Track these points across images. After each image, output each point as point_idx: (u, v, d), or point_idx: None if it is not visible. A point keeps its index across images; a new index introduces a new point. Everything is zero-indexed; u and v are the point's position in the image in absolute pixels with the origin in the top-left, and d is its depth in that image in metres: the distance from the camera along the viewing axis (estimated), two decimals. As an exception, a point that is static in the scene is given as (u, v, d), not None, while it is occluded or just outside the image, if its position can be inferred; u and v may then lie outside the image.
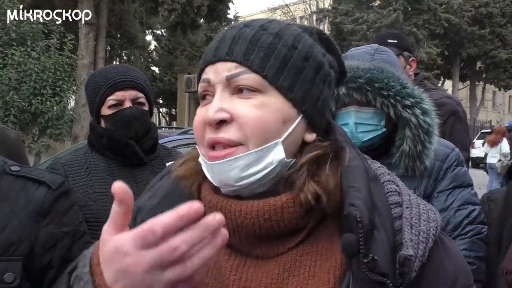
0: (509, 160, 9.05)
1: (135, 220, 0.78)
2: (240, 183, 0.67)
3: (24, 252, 1.07)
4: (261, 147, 0.66)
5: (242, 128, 0.65)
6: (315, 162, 0.69)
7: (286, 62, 0.68)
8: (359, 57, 1.55)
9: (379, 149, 1.50)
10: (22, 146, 2.31)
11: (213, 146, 0.67)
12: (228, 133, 0.66)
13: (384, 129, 1.48)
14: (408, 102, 1.42)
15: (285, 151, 0.68)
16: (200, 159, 0.72)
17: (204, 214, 0.73)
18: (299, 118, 0.69)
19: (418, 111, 1.42)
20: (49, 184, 1.14)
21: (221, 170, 0.67)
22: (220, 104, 0.66)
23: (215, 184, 0.70)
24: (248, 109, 0.66)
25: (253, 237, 0.69)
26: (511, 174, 1.71)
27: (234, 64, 0.67)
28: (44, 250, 1.10)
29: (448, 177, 1.54)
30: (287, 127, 0.68)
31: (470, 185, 1.59)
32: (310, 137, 0.71)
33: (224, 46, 0.69)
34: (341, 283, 0.65)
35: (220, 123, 0.66)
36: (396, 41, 2.49)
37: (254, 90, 0.66)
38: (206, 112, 0.67)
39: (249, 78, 0.66)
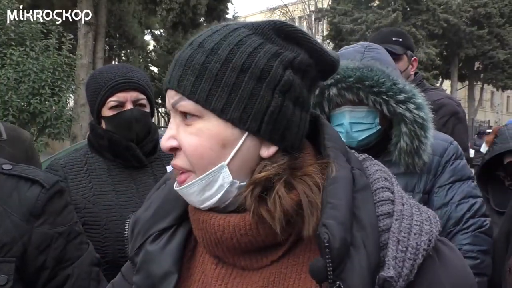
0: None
1: (133, 232, 0.80)
2: (203, 205, 0.68)
3: (17, 254, 1.05)
4: (206, 173, 0.66)
5: (186, 156, 0.67)
6: (261, 184, 0.65)
7: (219, 80, 0.63)
8: (349, 56, 1.53)
9: (376, 147, 1.50)
10: (35, 147, 2.35)
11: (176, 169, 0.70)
12: (180, 160, 0.68)
13: (379, 127, 1.48)
14: (400, 97, 1.41)
15: (236, 172, 0.66)
16: None
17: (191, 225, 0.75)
18: (243, 137, 0.65)
19: (411, 106, 1.41)
20: (43, 183, 1.11)
21: (184, 195, 0.70)
22: (170, 131, 0.68)
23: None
24: (186, 138, 0.66)
25: (234, 250, 0.69)
26: (482, 176, 1.68)
27: (173, 92, 0.67)
28: (38, 251, 1.08)
29: (447, 171, 1.53)
30: (230, 150, 0.65)
31: (470, 177, 1.57)
32: (267, 152, 0.66)
33: (168, 73, 0.69)
34: None
35: (173, 150, 0.68)
36: (401, 40, 2.45)
37: (193, 115, 0.66)
38: None
39: (185, 105, 0.66)
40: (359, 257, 0.60)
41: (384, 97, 1.41)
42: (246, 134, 0.65)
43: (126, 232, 0.82)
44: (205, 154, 0.65)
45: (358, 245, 0.61)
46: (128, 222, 0.82)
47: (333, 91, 1.43)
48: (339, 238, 0.59)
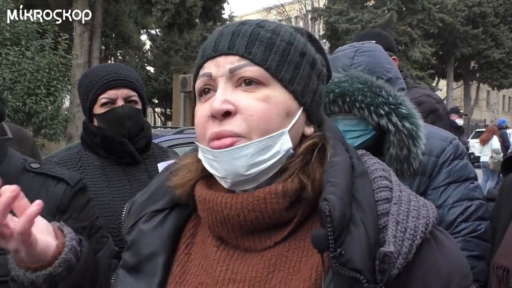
0: (501, 157, 9.07)
1: (129, 213, 0.83)
2: (250, 171, 0.67)
3: None
4: (268, 136, 0.67)
5: (247, 121, 0.67)
6: (310, 152, 0.71)
7: (286, 56, 0.71)
8: (338, 62, 1.52)
9: (373, 149, 1.45)
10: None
11: (217, 138, 0.68)
12: (232, 125, 0.67)
13: (374, 132, 1.46)
14: (381, 111, 1.39)
15: (291, 142, 0.70)
16: (201, 155, 0.73)
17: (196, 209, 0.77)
18: (300, 111, 0.72)
19: (394, 119, 1.39)
20: (68, 181, 1.20)
21: (230, 158, 0.67)
22: (224, 96, 0.67)
23: (221, 175, 0.69)
24: (252, 102, 0.67)
25: (240, 229, 0.70)
26: (505, 170, 1.66)
27: (236, 57, 0.69)
28: None
29: (443, 172, 1.49)
30: (291, 119, 0.70)
31: (469, 178, 1.51)
32: (309, 130, 0.74)
33: (224, 41, 0.70)
34: (323, 279, 0.63)
35: (225, 115, 0.67)
36: (374, 42, 2.46)
37: (257, 82, 0.68)
38: (211, 104, 0.68)
39: (252, 70, 0.68)
40: (359, 233, 0.63)
41: (366, 111, 1.40)
42: (302, 108, 0.73)
43: (123, 218, 0.85)
44: (272, 119, 0.68)
45: (357, 223, 0.64)
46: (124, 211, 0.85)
47: None
48: (339, 210, 0.62)
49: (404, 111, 1.41)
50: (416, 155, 1.44)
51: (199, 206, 0.75)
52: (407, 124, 1.40)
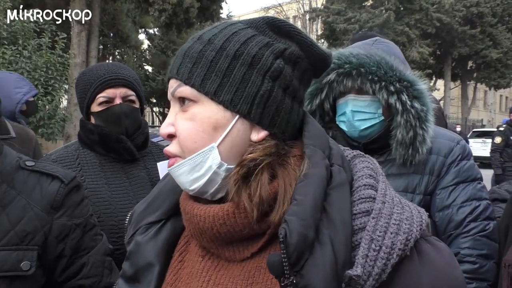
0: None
1: (130, 222, 0.83)
2: (193, 187, 0.70)
3: (39, 242, 1.14)
4: (196, 153, 0.68)
5: (179, 141, 0.70)
6: (247, 166, 0.66)
7: (213, 66, 0.67)
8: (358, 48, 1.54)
9: (380, 140, 1.48)
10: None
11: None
12: (171, 147, 0.72)
13: (382, 118, 1.47)
14: (392, 88, 1.40)
15: (226, 155, 0.68)
16: None
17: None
18: (234, 120, 0.68)
19: (404, 97, 1.40)
20: (62, 179, 1.21)
21: (174, 176, 0.72)
22: (169, 119, 0.72)
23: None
24: (181, 123, 0.70)
25: (217, 240, 0.70)
26: None
27: (174, 80, 0.71)
28: (57, 241, 1.17)
29: (451, 172, 1.50)
30: (221, 132, 0.68)
31: (476, 179, 1.53)
32: (257, 136, 0.68)
33: (172, 63, 0.73)
34: None
35: (170, 137, 0.72)
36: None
37: (189, 100, 0.69)
38: None
39: (182, 90, 0.69)
40: (324, 254, 0.60)
41: (378, 86, 1.40)
42: (237, 117, 0.68)
43: (125, 223, 0.86)
44: (198, 137, 0.68)
45: (324, 242, 0.61)
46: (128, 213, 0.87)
47: (332, 76, 1.43)
48: (297, 234, 0.60)
49: (417, 89, 1.42)
50: (422, 139, 1.43)
51: (183, 216, 0.75)
52: (416, 104, 1.41)
